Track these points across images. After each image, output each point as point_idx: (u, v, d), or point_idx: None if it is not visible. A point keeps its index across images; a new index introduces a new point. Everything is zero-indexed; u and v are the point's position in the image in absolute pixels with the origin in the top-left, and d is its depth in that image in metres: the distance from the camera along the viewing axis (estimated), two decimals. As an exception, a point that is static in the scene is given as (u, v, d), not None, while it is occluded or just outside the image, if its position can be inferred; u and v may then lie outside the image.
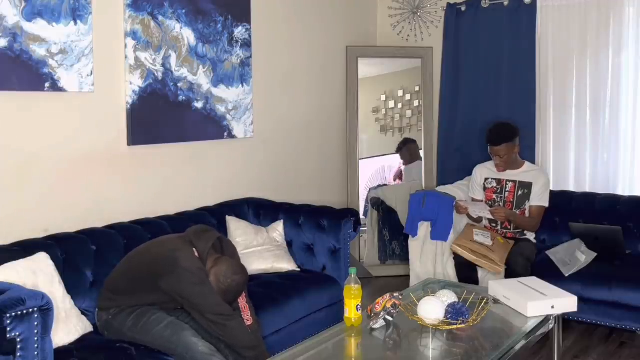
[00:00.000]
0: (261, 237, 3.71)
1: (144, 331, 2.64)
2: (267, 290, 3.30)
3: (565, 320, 3.53)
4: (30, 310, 2.18)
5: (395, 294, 2.68)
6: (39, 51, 2.92)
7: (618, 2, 4.43)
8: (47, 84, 2.97)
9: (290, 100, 4.57)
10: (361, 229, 4.19)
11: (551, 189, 4.14)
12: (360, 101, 5.12)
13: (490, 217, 3.95)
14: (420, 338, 2.64)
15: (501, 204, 4.02)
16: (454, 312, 2.60)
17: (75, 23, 3.06)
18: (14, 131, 2.89)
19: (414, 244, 4.30)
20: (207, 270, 2.68)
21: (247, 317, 2.80)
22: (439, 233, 4.16)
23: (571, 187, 4.64)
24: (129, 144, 3.40)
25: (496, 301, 2.96)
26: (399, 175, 5.35)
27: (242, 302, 2.81)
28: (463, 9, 4.99)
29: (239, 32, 4.01)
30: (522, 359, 2.91)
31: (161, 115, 3.54)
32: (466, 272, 3.85)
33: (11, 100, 2.87)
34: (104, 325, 2.74)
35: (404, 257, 4.79)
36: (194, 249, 2.71)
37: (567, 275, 3.66)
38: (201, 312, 2.61)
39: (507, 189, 4.02)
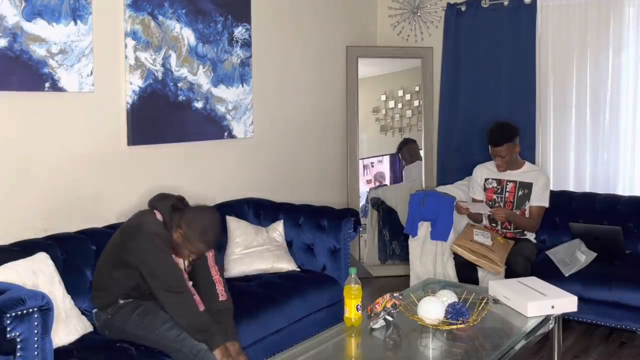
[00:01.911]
0: (261, 237, 3.71)
1: (148, 329, 2.64)
2: (267, 290, 3.30)
3: (565, 320, 3.53)
4: (30, 310, 2.18)
5: (395, 294, 2.69)
6: (39, 51, 2.92)
7: (618, 2, 4.43)
8: (47, 84, 2.97)
9: (290, 100, 4.57)
10: (361, 229, 4.19)
11: (551, 189, 4.14)
12: (360, 101, 5.12)
13: (490, 216, 3.95)
14: (420, 338, 2.64)
15: (501, 204, 4.02)
16: (454, 312, 2.60)
17: (75, 23, 3.06)
18: (14, 131, 2.89)
19: (414, 244, 4.30)
20: (172, 231, 2.69)
21: (221, 291, 2.79)
22: (439, 233, 4.16)
23: (571, 187, 4.64)
24: (129, 144, 3.40)
25: (496, 301, 2.97)
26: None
27: (216, 276, 2.82)
28: (463, 9, 4.99)
29: (239, 32, 4.01)
30: (522, 359, 2.91)
31: (161, 115, 3.54)
32: (466, 272, 3.85)
33: (11, 100, 2.87)
34: (103, 325, 2.75)
35: (404, 257, 4.79)
36: (156, 211, 2.74)
37: (567, 275, 3.66)
38: (154, 285, 2.62)
39: (508, 189, 4.02)
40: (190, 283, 2.78)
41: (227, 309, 2.79)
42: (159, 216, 2.73)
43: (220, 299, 2.77)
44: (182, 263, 2.77)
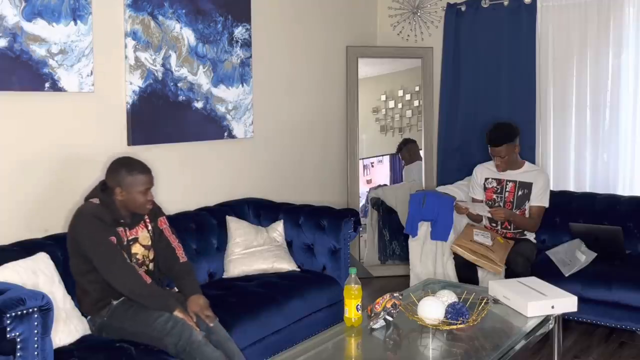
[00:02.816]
0: (261, 237, 3.71)
1: (144, 323, 2.65)
2: (267, 290, 3.30)
3: (565, 320, 3.53)
4: (30, 310, 2.18)
5: (395, 294, 2.69)
6: (39, 51, 2.92)
7: (618, 2, 4.43)
8: (47, 84, 2.97)
9: (290, 100, 4.57)
10: (361, 229, 4.19)
11: (551, 189, 4.14)
12: (360, 101, 5.12)
13: (490, 216, 3.95)
14: (420, 338, 2.64)
15: (501, 204, 4.02)
16: (454, 312, 2.60)
17: (75, 23, 3.06)
18: (14, 131, 2.89)
19: (414, 244, 4.30)
20: (114, 197, 2.75)
21: (181, 254, 2.96)
22: (439, 233, 4.16)
23: (571, 187, 4.64)
24: (129, 144, 3.40)
25: (496, 301, 2.97)
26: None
27: (175, 242, 2.98)
28: (463, 9, 4.99)
29: (239, 32, 4.01)
30: (522, 359, 2.91)
31: (161, 115, 3.54)
32: (466, 272, 3.85)
33: (11, 100, 2.87)
34: (100, 328, 2.74)
35: (404, 257, 4.79)
36: (90, 200, 2.80)
37: (567, 275, 3.66)
38: (99, 264, 2.66)
39: (507, 189, 4.02)
40: (152, 255, 2.89)
41: (190, 269, 2.98)
42: (95, 201, 2.78)
43: (181, 261, 2.95)
44: (147, 237, 2.88)
